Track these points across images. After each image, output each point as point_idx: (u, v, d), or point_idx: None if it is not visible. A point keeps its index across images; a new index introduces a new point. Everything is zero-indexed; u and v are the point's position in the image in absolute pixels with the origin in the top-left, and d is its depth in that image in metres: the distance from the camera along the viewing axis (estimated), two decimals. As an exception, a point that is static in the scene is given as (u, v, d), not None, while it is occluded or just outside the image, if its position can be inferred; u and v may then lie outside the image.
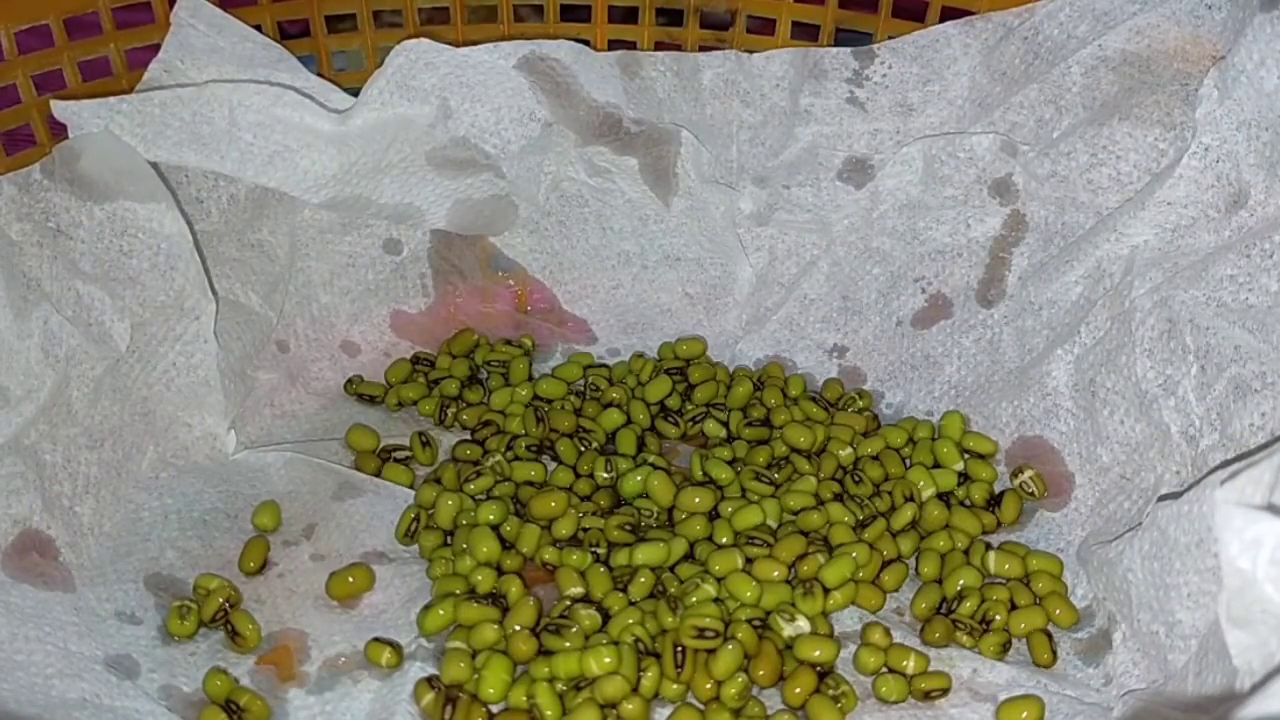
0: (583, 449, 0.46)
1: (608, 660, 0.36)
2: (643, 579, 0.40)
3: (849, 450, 0.46)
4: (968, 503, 0.44)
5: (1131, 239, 0.43)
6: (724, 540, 0.42)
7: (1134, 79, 0.43)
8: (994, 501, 0.44)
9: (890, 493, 0.44)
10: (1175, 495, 0.36)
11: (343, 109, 0.46)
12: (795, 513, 0.43)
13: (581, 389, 0.50)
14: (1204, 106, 0.40)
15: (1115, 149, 0.44)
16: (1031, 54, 0.45)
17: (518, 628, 0.38)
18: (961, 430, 0.46)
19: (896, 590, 0.42)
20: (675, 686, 0.37)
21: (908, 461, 0.46)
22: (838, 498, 0.44)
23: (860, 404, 0.48)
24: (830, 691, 0.37)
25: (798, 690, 0.37)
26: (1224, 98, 0.39)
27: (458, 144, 0.48)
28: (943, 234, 0.48)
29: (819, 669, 0.38)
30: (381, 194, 0.48)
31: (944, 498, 0.44)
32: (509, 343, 0.52)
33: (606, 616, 0.39)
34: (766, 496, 0.43)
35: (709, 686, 0.37)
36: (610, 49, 0.50)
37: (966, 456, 0.45)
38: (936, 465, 0.45)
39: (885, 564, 0.42)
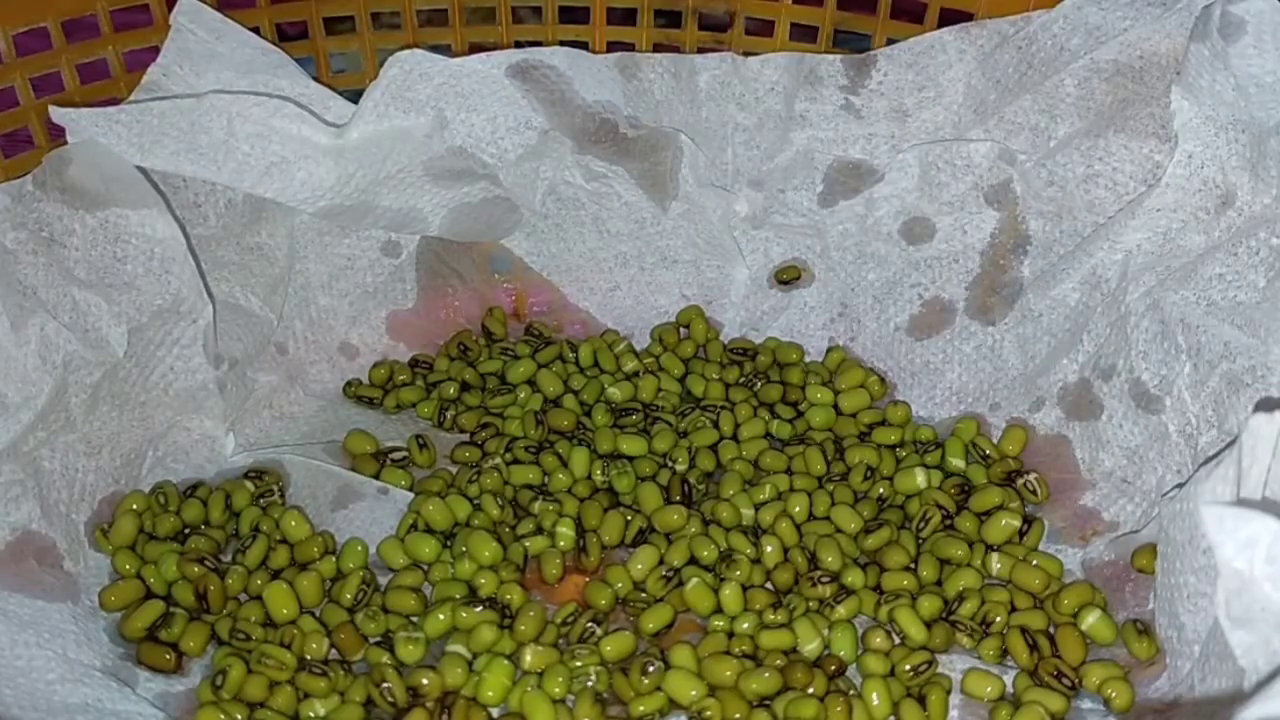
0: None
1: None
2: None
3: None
4: (968, 505, 0.44)
5: (1125, 244, 0.43)
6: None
7: (1128, 90, 0.43)
8: (996, 504, 0.44)
9: (889, 497, 0.44)
10: (1174, 494, 0.37)
11: (343, 118, 0.46)
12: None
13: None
14: (1179, 118, 0.40)
15: (1111, 160, 0.44)
16: (1025, 64, 0.45)
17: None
18: (965, 434, 0.46)
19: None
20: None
21: (906, 463, 0.46)
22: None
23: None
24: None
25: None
26: (1195, 106, 0.40)
27: (455, 154, 0.47)
28: (939, 240, 0.48)
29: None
30: (380, 204, 0.47)
31: (944, 500, 0.44)
32: (507, 347, 0.52)
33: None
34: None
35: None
36: (609, 50, 0.50)
37: (969, 460, 0.45)
38: (938, 468, 0.45)
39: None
